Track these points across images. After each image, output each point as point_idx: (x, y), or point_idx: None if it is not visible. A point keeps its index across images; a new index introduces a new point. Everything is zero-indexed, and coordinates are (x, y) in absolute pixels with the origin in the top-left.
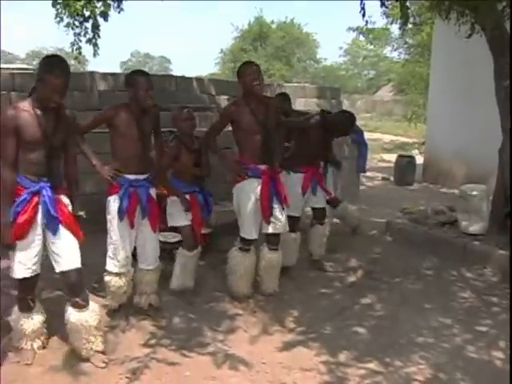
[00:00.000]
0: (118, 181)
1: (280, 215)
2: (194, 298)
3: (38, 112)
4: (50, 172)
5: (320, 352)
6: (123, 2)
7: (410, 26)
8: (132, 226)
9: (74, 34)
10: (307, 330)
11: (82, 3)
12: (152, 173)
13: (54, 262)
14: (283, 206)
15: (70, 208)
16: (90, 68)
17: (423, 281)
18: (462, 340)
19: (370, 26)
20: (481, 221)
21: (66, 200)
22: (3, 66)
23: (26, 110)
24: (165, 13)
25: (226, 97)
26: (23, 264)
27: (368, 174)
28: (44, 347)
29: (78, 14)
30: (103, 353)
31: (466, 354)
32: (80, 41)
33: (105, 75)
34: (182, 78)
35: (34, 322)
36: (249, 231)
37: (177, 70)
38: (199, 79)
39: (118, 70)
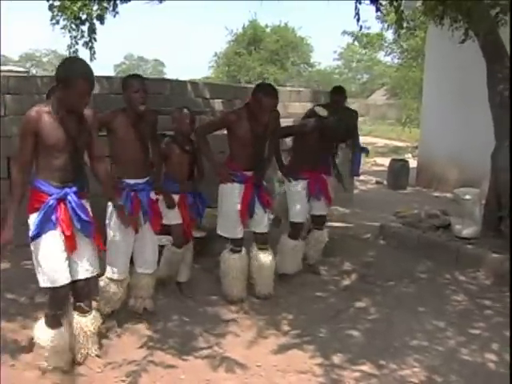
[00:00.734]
0: (118, 186)
1: (263, 216)
2: (188, 301)
3: (61, 115)
4: (75, 176)
5: (315, 355)
6: (119, 6)
7: (403, 30)
8: (136, 231)
9: (71, 37)
10: (302, 333)
11: (78, 6)
12: (152, 177)
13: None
14: (266, 209)
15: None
16: None
17: (417, 284)
18: (456, 343)
19: (364, 30)
20: (474, 224)
21: (87, 205)
22: None
23: (48, 114)
24: (159, 16)
25: (220, 100)
26: (54, 270)
27: (361, 177)
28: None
29: (74, 17)
30: (99, 357)
31: (459, 357)
32: (77, 43)
33: (99, 78)
34: (177, 81)
35: (64, 337)
36: (230, 230)
37: (171, 74)
38: (194, 83)
39: (111, 73)
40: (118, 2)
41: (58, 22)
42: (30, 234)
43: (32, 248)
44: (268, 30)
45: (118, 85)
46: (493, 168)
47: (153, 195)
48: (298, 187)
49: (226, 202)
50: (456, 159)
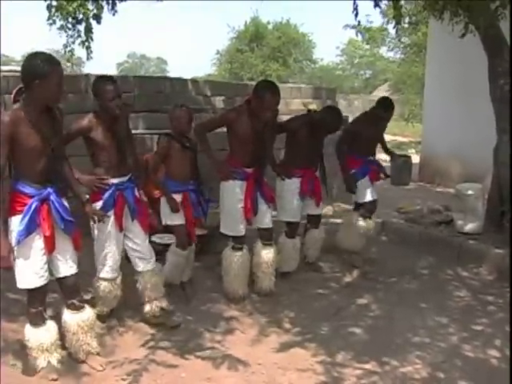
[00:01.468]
0: (103, 187)
1: (266, 211)
2: (190, 299)
3: (35, 116)
4: (53, 176)
5: (316, 352)
6: (117, 4)
7: (405, 25)
8: (121, 228)
9: (67, 37)
10: (303, 330)
11: (75, 5)
12: (134, 174)
13: (52, 267)
14: (269, 204)
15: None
16: (86, 70)
17: (419, 280)
18: (459, 339)
19: (367, 25)
20: (476, 220)
21: (66, 204)
22: None
23: (22, 117)
24: (161, 14)
25: (221, 98)
26: (35, 273)
27: None
28: (62, 362)
29: (71, 17)
30: (99, 355)
31: (462, 353)
32: (73, 42)
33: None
34: (177, 79)
35: (51, 333)
36: (233, 228)
37: (173, 72)
38: (194, 81)
39: (114, 71)
40: (116, 1)
41: (54, 22)
42: (16, 237)
43: (14, 250)
44: (270, 26)
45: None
46: (495, 163)
47: (137, 192)
48: (291, 186)
49: (227, 199)
50: (459, 154)
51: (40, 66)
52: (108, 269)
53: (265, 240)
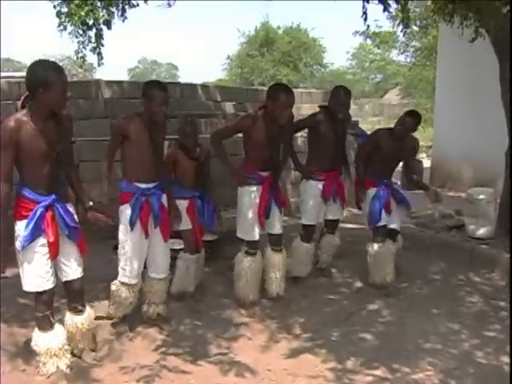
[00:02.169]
0: (129, 190)
1: (278, 217)
2: (199, 304)
3: (40, 123)
4: (58, 182)
5: (326, 359)
6: (127, 10)
7: (416, 28)
8: (146, 235)
9: (78, 43)
10: (313, 336)
11: (85, 11)
12: (162, 180)
13: (58, 271)
14: (281, 209)
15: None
16: (97, 75)
17: (431, 286)
18: (471, 345)
19: (376, 29)
20: (488, 224)
21: (71, 209)
22: (9, 74)
23: (27, 123)
24: (171, 20)
25: (231, 103)
26: (40, 276)
27: None
28: (71, 367)
29: (81, 23)
30: (93, 351)
31: (474, 360)
32: (85, 48)
33: (110, 83)
34: (188, 85)
35: (59, 338)
36: (248, 232)
37: (184, 77)
38: (204, 86)
39: (125, 76)
40: (126, 7)
41: (65, 28)
42: (21, 242)
43: (19, 254)
44: (280, 31)
45: (128, 89)
46: (507, 166)
47: (164, 200)
48: (313, 188)
49: (243, 204)
50: (470, 158)
51: (43, 75)
52: (128, 273)
53: (274, 245)
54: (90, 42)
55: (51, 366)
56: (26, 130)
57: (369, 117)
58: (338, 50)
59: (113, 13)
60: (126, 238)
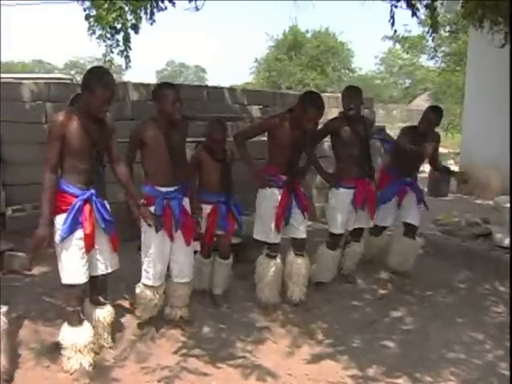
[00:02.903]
0: (151, 193)
1: (301, 221)
2: (222, 307)
3: (85, 121)
4: (97, 178)
5: (348, 365)
6: (155, 14)
7: (446, 34)
8: (171, 238)
9: (106, 46)
10: (335, 342)
11: (114, 15)
12: (184, 184)
13: (90, 266)
14: (304, 214)
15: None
16: (126, 77)
17: (455, 294)
18: (494, 356)
19: (405, 34)
20: None
21: (107, 205)
22: (39, 75)
23: (73, 119)
24: (199, 22)
25: (258, 107)
26: (76, 269)
27: None
28: (94, 366)
29: (110, 27)
30: (112, 349)
31: (497, 371)
32: (112, 52)
33: (137, 85)
34: (214, 88)
35: (86, 335)
36: (266, 234)
37: (212, 80)
38: (231, 89)
39: (153, 79)
40: (154, 10)
41: (94, 32)
42: (60, 234)
43: (58, 247)
44: (308, 35)
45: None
46: None
47: (186, 203)
48: (343, 196)
49: (263, 206)
50: (499, 165)
51: (90, 80)
52: (151, 276)
53: (297, 250)
54: (117, 45)
55: (75, 363)
56: (72, 126)
57: (397, 122)
58: (367, 55)
59: (140, 17)
60: (150, 239)
